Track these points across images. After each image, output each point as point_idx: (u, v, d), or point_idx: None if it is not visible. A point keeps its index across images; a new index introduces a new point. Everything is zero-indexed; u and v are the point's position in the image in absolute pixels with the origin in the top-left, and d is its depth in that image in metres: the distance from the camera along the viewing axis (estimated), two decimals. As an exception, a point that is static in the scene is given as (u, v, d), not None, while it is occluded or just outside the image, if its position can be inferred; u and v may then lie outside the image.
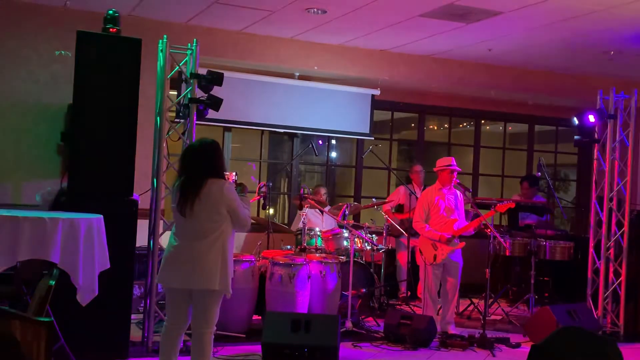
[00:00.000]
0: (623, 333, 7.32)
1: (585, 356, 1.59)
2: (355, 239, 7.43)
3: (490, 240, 7.03)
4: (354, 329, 6.78)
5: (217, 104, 6.11)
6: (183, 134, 6.17)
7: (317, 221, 8.27)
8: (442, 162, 7.08)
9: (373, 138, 9.81)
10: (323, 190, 8.76)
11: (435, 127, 12.00)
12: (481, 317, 6.89)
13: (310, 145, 8.47)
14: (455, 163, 7.03)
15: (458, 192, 7.08)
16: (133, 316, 5.88)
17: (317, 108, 9.30)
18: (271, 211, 10.65)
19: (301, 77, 9.27)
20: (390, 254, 8.80)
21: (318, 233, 7.67)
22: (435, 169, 7.17)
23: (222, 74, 6.16)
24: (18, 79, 7.47)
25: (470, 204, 7.47)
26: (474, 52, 8.91)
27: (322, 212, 8.27)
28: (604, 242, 7.42)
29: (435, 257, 6.85)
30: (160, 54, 6.11)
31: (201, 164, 4.47)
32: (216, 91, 6.16)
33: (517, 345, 6.64)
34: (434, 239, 6.87)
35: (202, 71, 6.14)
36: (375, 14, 7.37)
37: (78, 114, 5.59)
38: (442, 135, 11.48)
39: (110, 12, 5.78)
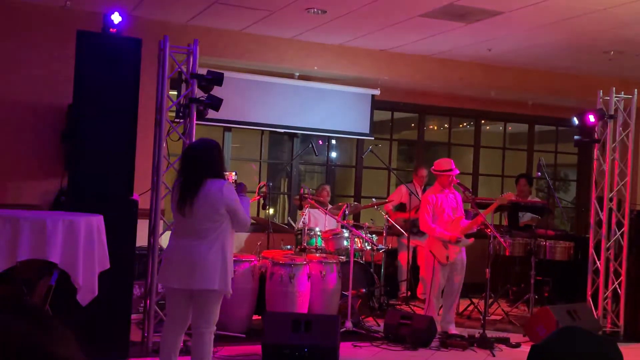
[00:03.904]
0: (623, 333, 7.32)
1: (585, 356, 1.59)
2: (355, 239, 7.43)
3: (490, 240, 7.04)
4: (354, 329, 6.77)
5: (217, 104, 6.11)
6: (183, 134, 6.17)
7: (321, 221, 8.26)
8: (442, 166, 7.03)
9: (373, 138, 9.80)
10: (327, 189, 8.75)
11: (435, 127, 11.99)
12: (481, 317, 6.89)
13: (310, 145, 8.46)
14: (454, 167, 7.00)
15: (456, 192, 7.09)
16: (133, 316, 5.87)
17: (317, 108, 9.28)
18: (271, 211, 10.65)
19: (301, 77, 9.26)
20: (391, 254, 8.79)
21: (318, 233, 7.67)
22: (434, 172, 7.15)
23: (222, 74, 6.16)
24: (18, 79, 7.47)
25: (470, 204, 7.47)
26: (474, 52, 8.90)
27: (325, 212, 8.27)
28: (604, 242, 7.41)
29: (447, 257, 6.85)
30: (160, 53, 6.11)
31: (201, 164, 4.47)
32: (216, 91, 6.16)
33: (517, 345, 6.64)
34: (445, 239, 6.86)
35: (202, 71, 6.14)
36: (375, 14, 7.37)
37: (78, 114, 5.59)
38: (442, 135, 11.48)
39: (110, 12, 5.78)
